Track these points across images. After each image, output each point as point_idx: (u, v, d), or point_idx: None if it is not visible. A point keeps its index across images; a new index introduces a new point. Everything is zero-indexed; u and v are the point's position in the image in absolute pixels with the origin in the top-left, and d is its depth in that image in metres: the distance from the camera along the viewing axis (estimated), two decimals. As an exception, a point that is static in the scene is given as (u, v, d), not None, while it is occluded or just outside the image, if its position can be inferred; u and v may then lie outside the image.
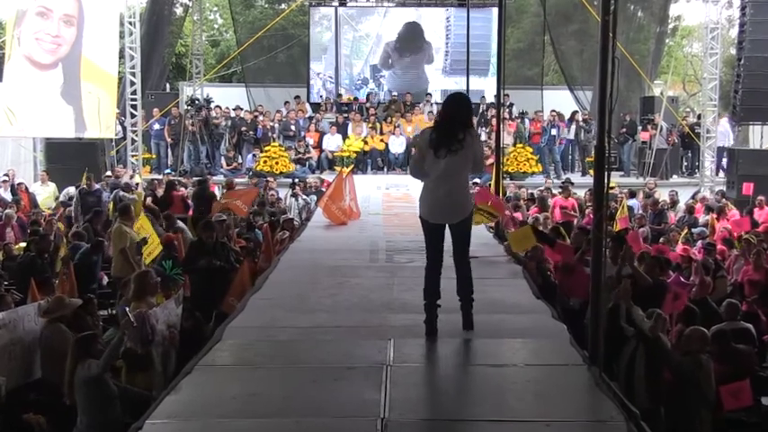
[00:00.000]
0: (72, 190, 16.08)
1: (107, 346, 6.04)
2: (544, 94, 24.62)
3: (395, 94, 23.92)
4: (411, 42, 24.80)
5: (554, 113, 21.51)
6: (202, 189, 14.99)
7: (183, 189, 15.88)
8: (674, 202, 16.34)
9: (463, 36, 21.16)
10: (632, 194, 16.30)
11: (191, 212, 14.03)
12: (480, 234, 10.85)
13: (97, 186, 15.68)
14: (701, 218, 14.91)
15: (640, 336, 6.37)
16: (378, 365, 5.47)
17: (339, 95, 24.23)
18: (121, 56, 20.51)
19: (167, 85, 27.35)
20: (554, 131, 21.18)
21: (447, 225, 6.20)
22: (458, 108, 6.16)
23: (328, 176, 17.48)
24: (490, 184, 13.36)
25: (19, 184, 16.88)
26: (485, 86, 22.91)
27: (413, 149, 20.50)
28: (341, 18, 25.07)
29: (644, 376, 6.28)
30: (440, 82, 24.66)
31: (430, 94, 23.57)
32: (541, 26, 25.02)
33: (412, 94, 23.44)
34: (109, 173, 17.69)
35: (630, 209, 14.63)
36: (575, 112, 21.73)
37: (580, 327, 6.32)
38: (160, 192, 15.29)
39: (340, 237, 11.33)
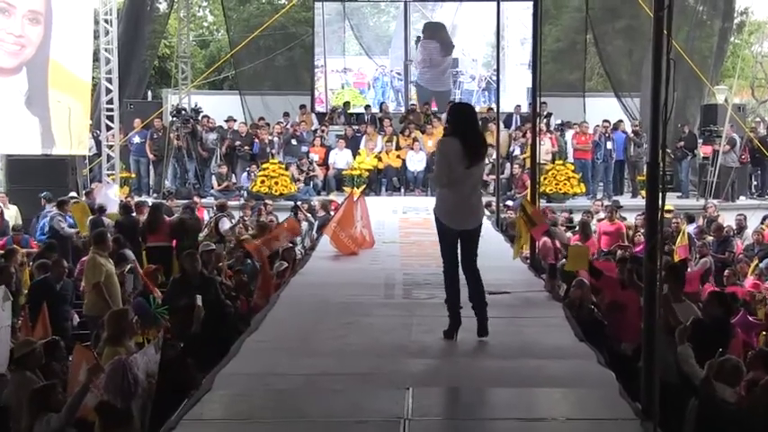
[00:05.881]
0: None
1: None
2: (587, 102, 24.67)
3: (413, 104, 24.16)
4: (441, 43, 25.19)
5: (607, 124, 21.34)
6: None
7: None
8: (741, 228, 16.21)
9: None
10: (691, 219, 16.20)
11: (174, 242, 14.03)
12: (514, 266, 10.86)
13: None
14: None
15: (688, 383, 6.34)
16: (393, 419, 5.46)
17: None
18: (96, 59, 20.65)
19: (149, 93, 27.57)
20: (609, 145, 21.10)
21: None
22: (475, 118, 7.65)
23: (336, 198, 17.48)
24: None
25: None
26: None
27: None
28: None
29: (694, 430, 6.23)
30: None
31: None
32: (583, 23, 25.08)
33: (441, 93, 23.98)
34: (73, 194, 17.51)
35: (690, 236, 14.56)
36: (619, 122, 21.68)
37: (633, 374, 6.29)
38: (142, 216, 15.28)
39: (349, 269, 11.37)
